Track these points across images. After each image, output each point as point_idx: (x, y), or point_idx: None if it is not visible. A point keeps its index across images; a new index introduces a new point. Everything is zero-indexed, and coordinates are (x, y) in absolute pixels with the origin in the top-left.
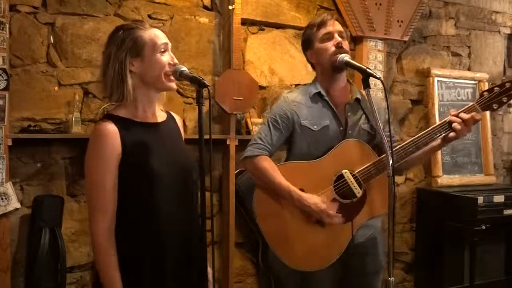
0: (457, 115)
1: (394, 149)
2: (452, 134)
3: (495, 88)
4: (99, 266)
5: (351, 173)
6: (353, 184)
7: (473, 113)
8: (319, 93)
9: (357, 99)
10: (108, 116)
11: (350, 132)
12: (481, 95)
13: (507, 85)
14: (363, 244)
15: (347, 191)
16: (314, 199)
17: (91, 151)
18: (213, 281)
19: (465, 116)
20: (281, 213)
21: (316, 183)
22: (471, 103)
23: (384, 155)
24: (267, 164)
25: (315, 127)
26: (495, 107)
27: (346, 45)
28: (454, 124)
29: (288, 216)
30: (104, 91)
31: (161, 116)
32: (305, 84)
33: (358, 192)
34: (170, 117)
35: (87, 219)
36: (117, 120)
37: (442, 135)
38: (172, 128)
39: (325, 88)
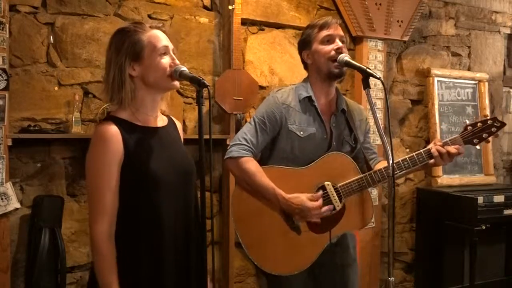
0: (442, 146)
1: (376, 167)
2: (432, 161)
3: (478, 124)
4: (97, 268)
5: (333, 186)
6: (334, 196)
7: (457, 146)
8: (309, 98)
9: (343, 110)
10: (110, 118)
11: (334, 143)
12: (465, 128)
13: (489, 122)
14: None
15: (327, 203)
16: (299, 198)
17: (93, 152)
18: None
19: (450, 149)
20: (259, 216)
21: (298, 191)
22: (456, 135)
23: (368, 172)
24: (253, 166)
25: (302, 133)
26: (475, 142)
27: (345, 51)
28: (436, 155)
29: (265, 220)
30: (106, 94)
31: (162, 121)
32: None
33: (338, 205)
34: (171, 123)
35: (87, 219)
36: (119, 122)
37: (424, 162)
38: (173, 133)
39: (316, 93)
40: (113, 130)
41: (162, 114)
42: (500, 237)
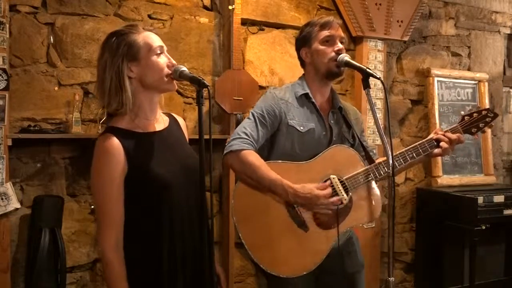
0: (444, 135)
1: (379, 161)
2: (437, 150)
3: (474, 114)
4: (108, 278)
5: (339, 179)
6: (340, 190)
7: (458, 134)
8: (306, 95)
9: (339, 108)
10: (110, 129)
11: (334, 139)
12: (463, 118)
13: (484, 112)
14: (340, 245)
15: (334, 196)
16: (307, 188)
17: (96, 167)
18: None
19: (452, 136)
20: (262, 213)
21: None
22: (455, 125)
23: (373, 164)
24: (256, 159)
25: (302, 128)
26: (473, 131)
27: (344, 52)
28: (442, 143)
29: (270, 218)
30: (102, 100)
31: (163, 122)
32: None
33: (345, 198)
34: (172, 121)
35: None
36: (119, 133)
37: (427, 152)
38: (176, 133)
39: (312, 91)
40: (114, 142)
41: (163, 112)
42: (500, 237)
